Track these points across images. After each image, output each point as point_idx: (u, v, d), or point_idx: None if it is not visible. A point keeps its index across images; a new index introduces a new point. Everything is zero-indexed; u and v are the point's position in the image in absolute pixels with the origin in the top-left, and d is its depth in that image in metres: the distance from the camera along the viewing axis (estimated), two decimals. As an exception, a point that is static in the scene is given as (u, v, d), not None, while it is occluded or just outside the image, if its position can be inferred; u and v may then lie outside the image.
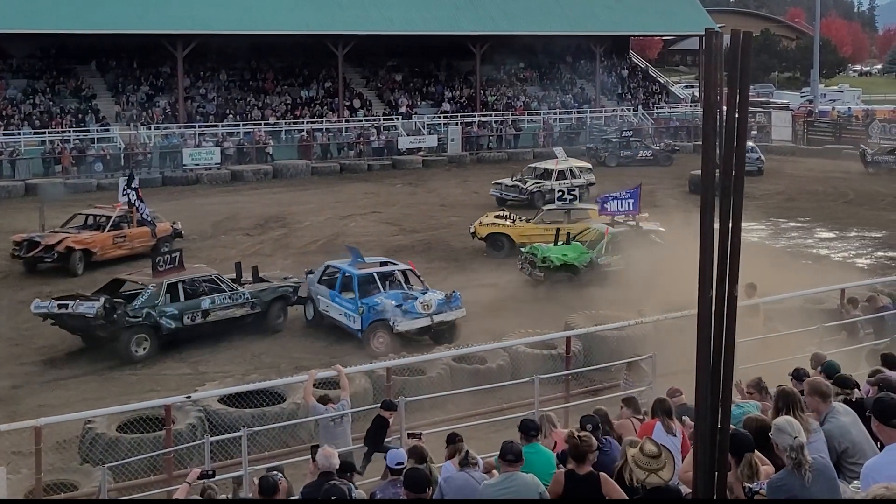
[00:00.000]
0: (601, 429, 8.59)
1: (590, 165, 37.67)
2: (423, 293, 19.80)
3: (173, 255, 20.35)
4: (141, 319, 18.80)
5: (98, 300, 18.55)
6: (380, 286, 20.00)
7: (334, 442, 10.63)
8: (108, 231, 26.33)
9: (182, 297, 19.49)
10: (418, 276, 20.83)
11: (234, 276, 21.02)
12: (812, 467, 5.98)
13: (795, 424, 6.20)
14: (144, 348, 18.88)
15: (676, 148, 47.90)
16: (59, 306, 18.79)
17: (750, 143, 40.66)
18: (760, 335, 14.68)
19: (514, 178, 35.35)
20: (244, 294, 20.25)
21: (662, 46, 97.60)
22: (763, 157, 42.57)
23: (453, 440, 9.15)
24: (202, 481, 8.89)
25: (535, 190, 34.01)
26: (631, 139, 46.93)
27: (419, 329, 19.39)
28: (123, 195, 26.34)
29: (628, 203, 25.16)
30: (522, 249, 25.01)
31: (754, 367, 11.22)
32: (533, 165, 37.06)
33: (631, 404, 10.10)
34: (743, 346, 12.99)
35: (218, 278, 20.26)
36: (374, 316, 19.30)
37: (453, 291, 20.19)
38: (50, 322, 19.27)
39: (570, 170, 35.46)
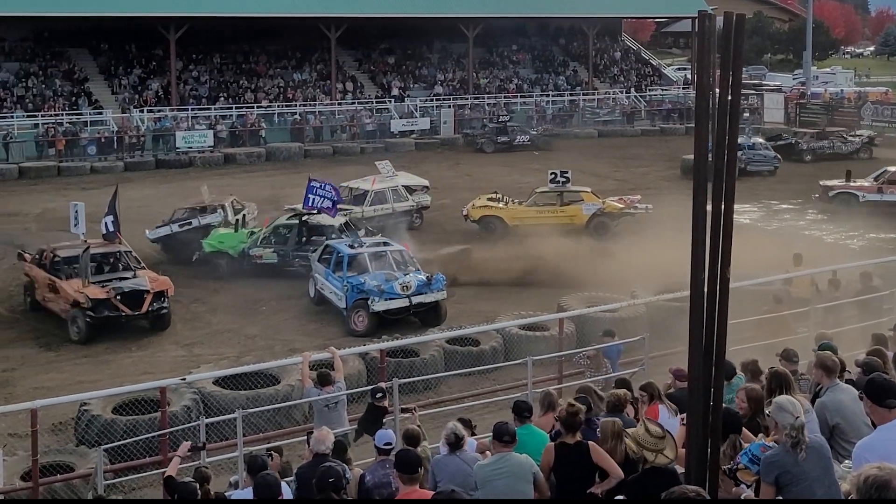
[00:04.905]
0: (591, 410, 8.61)
1: (427, 183, 30.11)
2: (407, 275, 19.86)
3: None
4: None
5: (216, 212, 24.78)
6: (369, 266, 20.07)
7: (329, 425, 10.66)
8: None
9: None
10: (412, 258, 20.90)
11: None
12: (808, 446, 6.06)
13: (797, 404, 6.29)
14: None
15: (556, 133, 47.55)
16: (182, 225, 24.46)
17: (762, 140, 39.90)
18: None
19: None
20: None
21: (655, 28, 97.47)
22: (779, 156, 38.70)
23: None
24: (193, 453, 8.91)
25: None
26: (508, 124, 45.87)
27: (397, 309, 19.49)
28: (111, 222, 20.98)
29: (329, 202, 22.73)
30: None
31: (749, 347, 11.28)
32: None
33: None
34: (742, 326, 13.10)
35: None
36: (357, 295, 19.43)
37: (436, 273, 20.23)
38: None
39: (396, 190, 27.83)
